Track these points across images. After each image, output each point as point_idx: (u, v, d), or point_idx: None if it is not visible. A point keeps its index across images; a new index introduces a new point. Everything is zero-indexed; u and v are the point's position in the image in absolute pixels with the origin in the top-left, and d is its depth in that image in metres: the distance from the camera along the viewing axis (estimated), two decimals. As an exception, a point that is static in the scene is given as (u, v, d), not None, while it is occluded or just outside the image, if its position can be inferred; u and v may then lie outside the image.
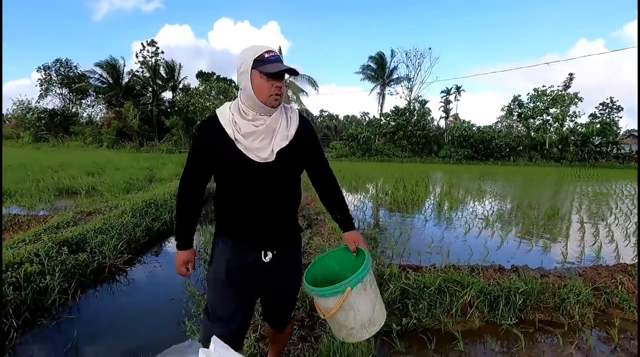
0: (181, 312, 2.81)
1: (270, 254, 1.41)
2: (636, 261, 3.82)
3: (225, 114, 1.33)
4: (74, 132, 26.66)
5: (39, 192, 6.95)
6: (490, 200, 8.75)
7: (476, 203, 8.26)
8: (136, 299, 3.22)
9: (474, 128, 30.43)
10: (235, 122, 1.31)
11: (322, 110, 49.06)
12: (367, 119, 41.92)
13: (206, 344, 1.35)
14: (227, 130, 1.30)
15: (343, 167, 16.04)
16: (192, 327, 2.49)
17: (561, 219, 6.65)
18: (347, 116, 50.36)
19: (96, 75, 28.25)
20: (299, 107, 30.62)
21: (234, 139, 1.30)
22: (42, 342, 2.45)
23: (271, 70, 1.25)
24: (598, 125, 29.29)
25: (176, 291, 3.23)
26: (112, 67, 28.02)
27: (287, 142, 1.35)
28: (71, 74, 29.84)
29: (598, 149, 29.04)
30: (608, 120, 30.38)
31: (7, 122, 29.82)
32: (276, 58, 1.28)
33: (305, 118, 1.47)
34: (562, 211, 7.39)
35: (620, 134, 30.84)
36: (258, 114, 1.33)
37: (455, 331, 2.61)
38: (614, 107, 31.56)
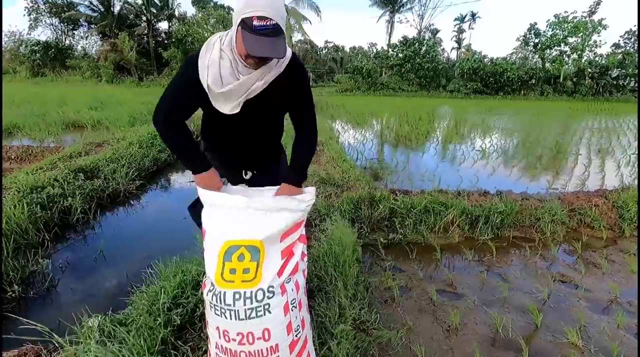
0: (194, 227, 3.14)
1: (249, 173, 1.57)
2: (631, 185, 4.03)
3: (207, 54, 1.25)
4: (71, 66, 25.94)
5: (47, 126, 7.13)
6: (492, 134, 8.80)
7: (477, 137, 8.34)
8: (151, 218, 3.56)
9: (485, 59, 29.00)
10: (219, 63, 1.24)
11: (327, 41, 46.48)
12: (374, 50, 39.79)
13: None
14: (201, 74, 1.24)
15: (347, 102, 15.80)
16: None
17: (557, 152, 6.77)
18: (354, 48, 47.78)
19: (86, 2, 26.58)
20: (302, 38, 28.97)
21: (205, 88, 1.26)
22: (72, 252, 2.82)
23: (249, 48, 1.13)
24: (620, 56, 27.68)
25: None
26: (101, -7, 26.18)
27: (256, 93, 1.28)
28: (59, 1, 28.06)
29: (615, 82, 27.84)
30: (632, 50, 28.58)
31: None
32: (263, 29, 1.11)
33: (298, 64, 1.36)
34: (561, 145, 7.48)
35: (641, 65, 29.23)
36: (236, 68, 1.25)
37: (435, 245, 2.93)
38: (641, 35, 29.43)
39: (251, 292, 1.19)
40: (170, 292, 1.90)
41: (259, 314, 1.19)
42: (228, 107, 1.29)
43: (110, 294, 2.28)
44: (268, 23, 1.11)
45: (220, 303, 1.19)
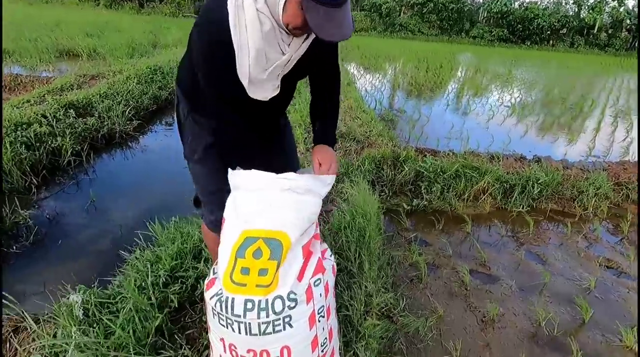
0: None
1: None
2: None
3: (240, 17, 0.89)
4: (67, -14, 23.98)
5: (39, 53, 6.55)
6: (519, 87, 8.09)
7: (504, 90, 7.66)
8: (150, 164, 3.24)
9: (515, 3, 26.44)
10: (260, 33, 0.90)
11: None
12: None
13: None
14: (233, 39, 0.91)
15: (362, 43, 14.62)
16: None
17: (592, 112, 6.20)
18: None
19: None
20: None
21: (244, 68, 0.94)
22: (62, 200, 2.54)
23: (317, 29, 0.83)
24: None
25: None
26: None
27: (291, 66, 1.00)
28: None
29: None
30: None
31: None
32: (336, 2, 0.82)
33: None
34: (595, 103, 6.85)
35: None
36: (281, 38, 0.93)
37: (465, 215, 2.62)
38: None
39: (266, 301, 0.89)
40: (168, 263, 1.63)
41: (276, 328, 0.90)
42: (264, 92, 0.99)
43: (101, 254, 2.03)
44: None
45: (227, 312, 0.89)
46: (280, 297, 0.91)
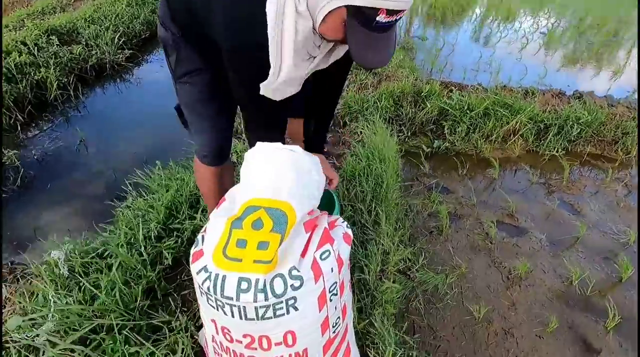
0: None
1: None
2: None
3: (277, 22, 0.72)
4: None
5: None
6: (557, 11, 7.15)
7: (538, 14, 6.78)
8: (145, 99, 2.96)
9: None
10: (294, 37, 0.74)
11: None
12: None
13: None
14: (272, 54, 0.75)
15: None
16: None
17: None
18: None
19: None
20: None
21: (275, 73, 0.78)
22: (50, 139, 2.34)
23: (358, 56, 0.72)
24: None
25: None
26: None
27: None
28: None
29: None
30: None
31: None
32: (387, 25, 0.70)
33: None
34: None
35: None
36: (314, 42, 0.79)
37: (492, 158, 2.35)
38: None
39: (265, 280, 0.70)
40: (161, 214, 1.46)
41: (278, 312, 0.72)
42: (284, 92, 0.84)
43: (92, 201, 1.87)
44: (398, 17, 0.70)
45: (216, 294, 0.71)
46: (281, 275, 0.72)
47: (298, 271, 0.73)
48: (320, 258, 0.77)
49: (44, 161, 2.13)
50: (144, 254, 1.27)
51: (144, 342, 1.00)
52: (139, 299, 1.09)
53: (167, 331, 1.07)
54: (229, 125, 1.17)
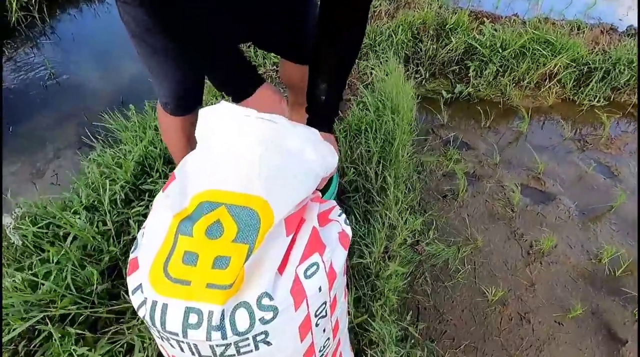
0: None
1: None
2: None
3: None
4: None
5: None
6: None
7: None
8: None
9: None
10: None
11: None
12: None
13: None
14: None
15: None
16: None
17: None
18: None
19: None
20: None
21: None
22: (13, 71, 2.04)
23: None
24: None
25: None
26: None
27: None
28: None
29: None
30: None
31: None
32: None
33: None
34: None
35: None
36: None
37: (521, 107, 2.03)
38: None
39: (222, 313, 0.50)
40: (129, 172, 1.24)
41: (243, 350, 0.53)
42: None
43: (56, 149, 1.65)
44: None
45: (156, 325, 0.52)
46: (246, 305, 0.51)
47: (271, 298, 0.52)
48: (305, 275, 0.56)
49: (5, 99, 1.86)
50: (108, 223, 1.08)
51: (100, 337, 0.85)
52: (96, 281, 0.92)
53: (128, 319, 0.92)
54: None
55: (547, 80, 2.18)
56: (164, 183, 1.11)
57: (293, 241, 0.58)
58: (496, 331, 1.18)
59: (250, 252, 0.52)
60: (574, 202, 1.60)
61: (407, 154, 1.51)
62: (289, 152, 0.59)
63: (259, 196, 0.55)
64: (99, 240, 1.03)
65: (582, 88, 2.17)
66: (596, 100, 2.14)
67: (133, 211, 1.15)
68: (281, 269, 0.55)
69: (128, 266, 0.59)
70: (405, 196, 1.35)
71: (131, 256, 0.60)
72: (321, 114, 0.81)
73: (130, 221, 1.11)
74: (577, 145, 1.92)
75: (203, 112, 0.65)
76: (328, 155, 0.66)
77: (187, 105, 0.91)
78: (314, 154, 0.62)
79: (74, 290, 0.89)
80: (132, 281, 0.56)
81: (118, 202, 1.16)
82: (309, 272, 0.56)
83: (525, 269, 1.35)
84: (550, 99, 2.16)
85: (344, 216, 0.67)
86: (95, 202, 1.15)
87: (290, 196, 0.57)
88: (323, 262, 0.58)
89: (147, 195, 1.23)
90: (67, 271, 0.91)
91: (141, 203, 1.19)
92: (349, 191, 1.25)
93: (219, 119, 0.61)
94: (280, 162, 0.57)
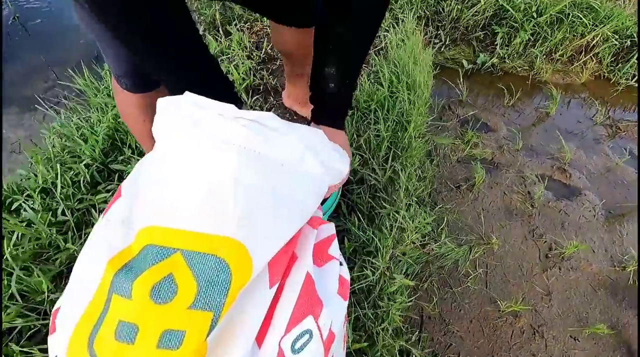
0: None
1: None
2: None
3: None
4: None
5: None
6: None
7: None
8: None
9: None
10: None
11: None
12: None
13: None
14: None
15: None
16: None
17: None
18: None
19: None
20: None
21: None
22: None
23: None
24: None
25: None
26: None
27: None
28: None
29: None
30: None
31: None
32: None
33: None
34: None
35: None
36: None
37: (550, 85, 1.81)
38: None
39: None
40: (96, 149, 1.06)
41: None
42: None
43: (13, 114, 1.44)
44: None
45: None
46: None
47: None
48: (293, 350, 0.40)
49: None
50: (67, 213, 0.92)
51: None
52: (47, 288, 0.78)
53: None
54: None
55: (583, 53, 1.93)
56: (137, 162, 0.92)
57: (279, 292, 0.42)
58: (506, 346, 1.07)
59: (215, 324, 0.36)
60: (600, 199, 1.44)
61: (421, 137, 1.32)
62: (280, 166, 0.41)
63: (232, 237, 0.38)
64: (54, 234, 0.87)
65: (620, 64, 1.92)
66: (634, 79, 1.90)
67: (99, 197, 0.98)
68: (260, 338, 0.40)
69: (51, 317, 0.43)
70: (415, 188, 1.18)
71: (57, 304, 0.44)
72: (329, 106, 0.61)
73: (94, 211, 0.95)
74: (608, 131, 1.72)
75: (162, 103, 0.46)
76: (336, 163, 0.48)
77: (147, 81, 0.71)
78: (317, 163, 0.44)
79: (19, 299, 0.75)
80: (51, 346, 0.40)
81: (82, 184, 0.99)
82: (298, 345, 0.41)
83: (542, 275, 1.22)
84: (584, 76, 1.92)
85: (342, 257, 0.51)
86: (55, 184, 0.98)
87: (277, 232, 0.40)
88: (319, 328, 0.42)
89: (117, 176, 1.05)
90: (12, 278, 0.75)
91: (109, 187, 1.02)
92: (353, 182, 1.08)
93: (181, 117, 0.42)
94: (264, 183, 0.40)
